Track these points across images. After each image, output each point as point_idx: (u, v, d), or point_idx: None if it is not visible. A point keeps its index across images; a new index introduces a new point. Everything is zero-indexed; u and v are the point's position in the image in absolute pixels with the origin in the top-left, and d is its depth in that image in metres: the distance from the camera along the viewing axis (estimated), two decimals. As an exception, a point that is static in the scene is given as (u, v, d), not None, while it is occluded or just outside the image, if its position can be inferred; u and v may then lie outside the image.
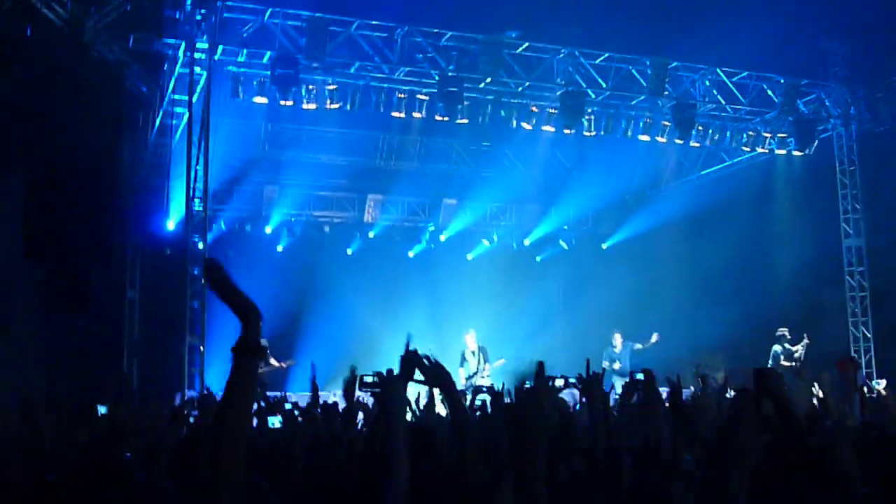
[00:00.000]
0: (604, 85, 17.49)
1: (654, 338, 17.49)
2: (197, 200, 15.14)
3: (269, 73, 15.68)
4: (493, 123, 17.83)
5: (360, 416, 5.80)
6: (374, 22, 16.13)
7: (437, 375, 3.63)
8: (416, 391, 6.61)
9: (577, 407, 6.86)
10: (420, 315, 20.52)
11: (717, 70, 18.00)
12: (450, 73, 16.47)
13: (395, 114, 16.94)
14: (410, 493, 2.93)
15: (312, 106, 16.39)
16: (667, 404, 4.63)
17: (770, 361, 16.34)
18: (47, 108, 13.65)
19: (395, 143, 21.19)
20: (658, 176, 22.14)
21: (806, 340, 16.20)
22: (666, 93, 17.46)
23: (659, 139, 18.41)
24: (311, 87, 16.19)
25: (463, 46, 16.65)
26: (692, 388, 9.64)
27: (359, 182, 21.48)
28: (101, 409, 9.11)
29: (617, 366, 17.05)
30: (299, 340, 19.53)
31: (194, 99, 15.31)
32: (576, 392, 5.69)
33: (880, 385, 12.95)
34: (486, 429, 4.81)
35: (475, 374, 16.25)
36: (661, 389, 5.40)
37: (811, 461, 3.16)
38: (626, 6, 17.35)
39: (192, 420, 8.12)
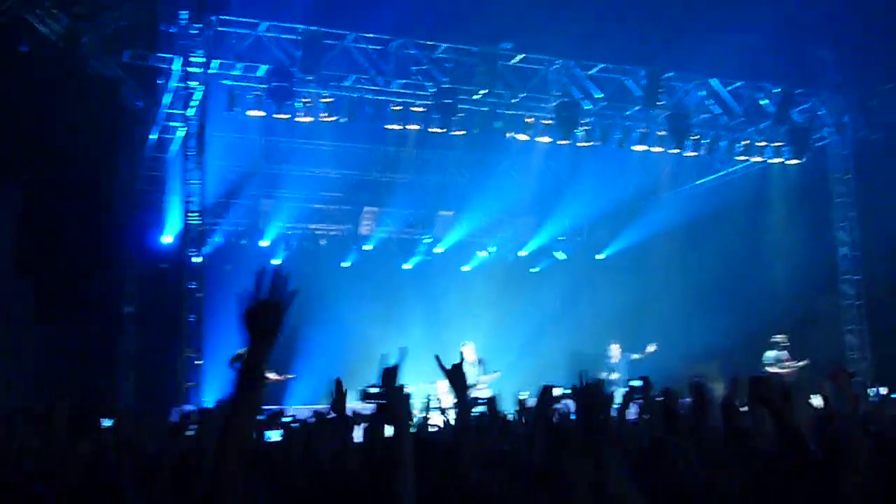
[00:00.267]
0: (598, 95, 17.57)
1: (651, 347, 17.46)
2: (193, 214, 15.17)
3: (264, 86, 15.73)
4: (489, 135, 17.89)
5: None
6: (368, 34, 16.19)
7: (454, 378, 3.79)
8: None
9: (573, 417, 6.86)
10: (416, 327, 20.50)
11: (712, 80, 18.07)
12: (444, 85, 16.52)
13: (390, 126, 16.99)
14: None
15: (308, 119, 16.44)
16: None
17: (767, 367, 16.30)
18: (42, 123, 13.69)
19: (391, 155, 21.18)
20: (653, 186, 22.16)
21: (806, 362, 15.94)
22: (660, 103, 17.53)
23: (654, 149, 18.46)
24: (306, 100, 16.23)
25: (457, 58, 16.72)
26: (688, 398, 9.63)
27: (354, 195, 21.47)
28: (106, 423, 9.08)
29: (615, 376, 17.03)
30: (296, 353, 19.46)
31: (190, 113, 15.36)
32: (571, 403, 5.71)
33: (881, 393, 12.93)
34: (484, 439, 4.85)
35: (472, 385, 16.20)
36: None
37: (815, 467, 3.18)
38: (620, 17, 17.40)
39: (190, 433, 8.11)
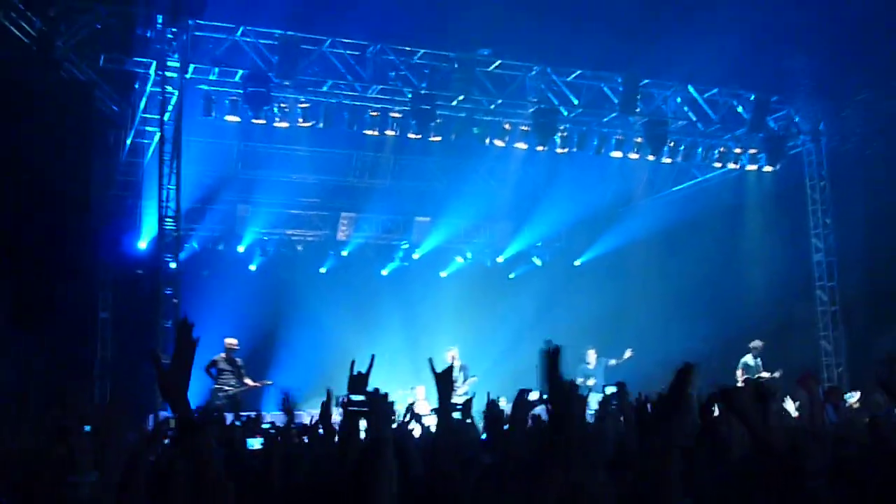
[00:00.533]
0: (576, 102, 17.63)
1: (628, 353, 17.56)
2: (169, 220, 15.08)
3: (240, 91, 15.68)
4: (466, 141, 17.90)
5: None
6: (346, 40, 16.18)
7: (443, 383, 3.84)
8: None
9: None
10: (394, 332, 20.47)
11: (689, 87, 18.18)
12: (422, 91, 16.54)
13: (368, 132, 16.99)
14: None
15: (284, 124, 16.41)
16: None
17: (738, 371, 16.38)
18: (15, 127, 13.56)
19: (368, 160, 21.18)
20: (630, 193, 22.26)
21: (779, 373, 16.01)
22: (637, 110, 17.62)
23: (631, 156, 18.54)
24: (283, 105, 16.21)
25: (435, 64, 16.75)
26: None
27: (332, 200, 21.45)
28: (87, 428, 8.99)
29: (591, 382, 17.08)
30: (273, 359, 19.42)
31: (166, 118, 15.28)
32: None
33: (853, 398, 13.02)
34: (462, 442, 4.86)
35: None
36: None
37: (781, 473, 3.20)
38: (598, 24, 17.47)
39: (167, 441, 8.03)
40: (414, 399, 16.26)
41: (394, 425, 8.06)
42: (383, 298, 21.69)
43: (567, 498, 2.77)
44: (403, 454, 4.25)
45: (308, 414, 15.17)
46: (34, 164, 13.44)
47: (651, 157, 18.48)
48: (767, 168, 19.06)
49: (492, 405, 5.12)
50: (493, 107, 17.46)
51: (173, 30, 14.98)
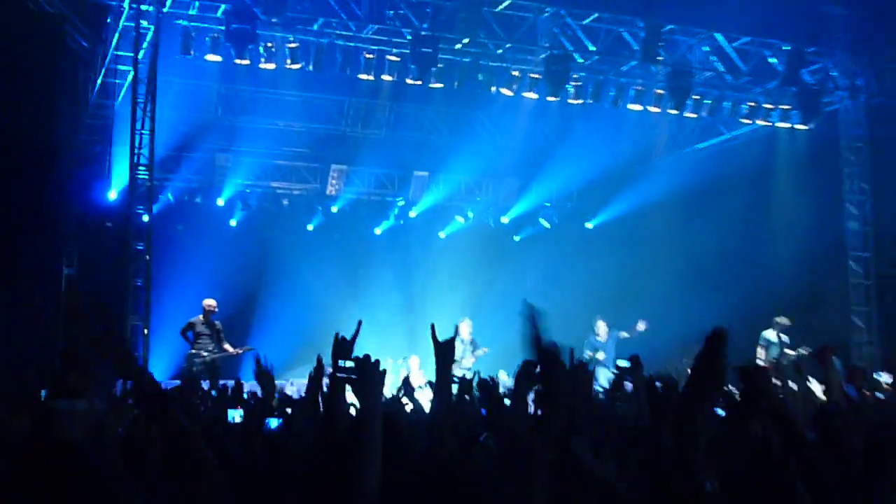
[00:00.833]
0: (592, 48, 17.53)
1: (641, 325, 17.60)
2: (142, 169, 15.08)
3: (223, 28, 15.57)
4: (470, 89, 17.82)
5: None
6: (340, -27, 16.08)
7: (442, 354, 3.88)
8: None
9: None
10: (387, 298, 20.57)
11: (716, 35, 18.08)
12: (423, 33, 16.43)
13: (363, 76, 16.90)
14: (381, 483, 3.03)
15: (271, 66, 16.32)
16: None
17: (759, 349, 16.41)
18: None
19: (362, 108, 21.14)
20: (649, 149, 22.23)
21: (806, 352, 15.91)
22: (660, 58, 17.51)
23: (651, 109, 18.47)
24: (269, 44, 16.10)
25: (438, 3, 16.63)
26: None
27: (321, 151, 21.42)
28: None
29: (601, 356, 17.18)
30: (254, 324, 19.52)
31: (140, 56, 15.23)
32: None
33: (882, 378, 13.05)
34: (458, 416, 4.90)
35: (456, 361, 16.57)
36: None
37: (814, 459, 3.24)
38: (618, -38, 17.34)
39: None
40: (407, 371, 16.39)
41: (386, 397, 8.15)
42: (376, 260, 21.75)
43: (565, 484, 2.80)
44: (394, 430, 4.30)
45: (289, 383, 15.31)
46: (-6, 106, 13.40)
47: (673, 111, 18.41)
48: (800, 126, 19.00)
49: (484, 382, 5.13)
50: (500, 51, 17.37)
51: (149, -42, 14.89)
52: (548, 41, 17.28)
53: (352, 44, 16.66)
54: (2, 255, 14.12)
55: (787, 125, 19.08)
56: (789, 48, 18.25)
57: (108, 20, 15.88)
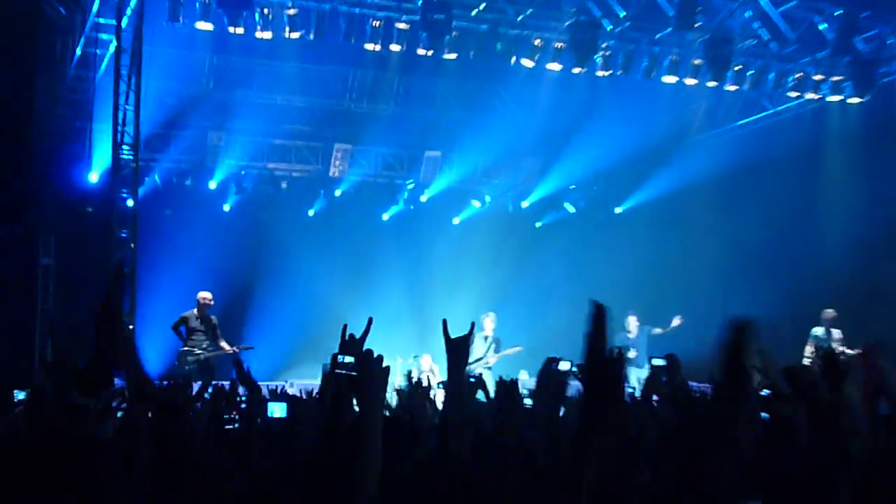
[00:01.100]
0: (622, 14, 17.42)
1: (676, 321, 17.62)
2: (125, 148, 15.07)
3: (215, -8, 15.54)
4: (487, 60, 17.75)
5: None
6: (343, -68, 16.02)
7: (455, 351, 3.85)
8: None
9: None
10: (396, 290, 20.56)
11: (760, -2, 17.97)
12: (435, -2, 16.38)
13: (369, 46, 16.85)
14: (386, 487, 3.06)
15: (268, 35, 16.27)
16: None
17: (807, 346, 16.40)
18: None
19: (368, 81, 21.08)
20: (685, 126, 22.17)
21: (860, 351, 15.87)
22: (697, 25, 17.37)
23: (688, 81, 18.40)
24: (265, 11, 16.06)
25: (452, -36, 16.56)
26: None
27: (323, 129, 21.42)
28: (19, 395, 9.14)
29: (632, 354, 17.16)
30: (249, 319, 19.52)
31: (124, 23, 15.18)
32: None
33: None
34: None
35: (477, 360, 16.76)
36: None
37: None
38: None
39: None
40: (418, 370, 16.39)
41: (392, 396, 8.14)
42: (383, 248, 21.76)
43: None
44: (402, 431, 4.26)
45: (289, 384, 15.27)
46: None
47: (712, 84, 18.34)
48: (853, 99, 18.88)
49: (503, 383, 5.09)
50: (520, 18, 17.29)
51: (133, -85, 14.85)
52: (573, 6, 17.18)
53: (357, 10, 16.58)
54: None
55: (839, 98, 18.97)
56: (841, 12, 18.08)
57: (89, -16, 15.85)
